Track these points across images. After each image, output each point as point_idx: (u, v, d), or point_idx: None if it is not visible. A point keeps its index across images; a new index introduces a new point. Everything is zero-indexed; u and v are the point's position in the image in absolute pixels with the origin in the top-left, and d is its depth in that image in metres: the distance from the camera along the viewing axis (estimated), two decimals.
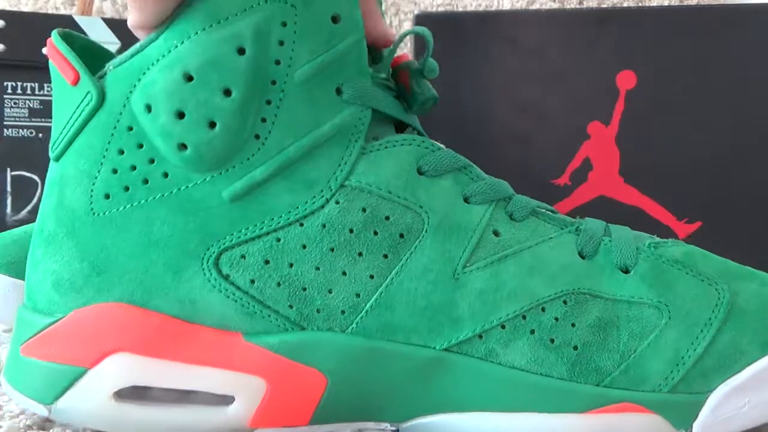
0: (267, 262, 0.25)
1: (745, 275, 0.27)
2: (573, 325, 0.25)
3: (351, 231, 0.25)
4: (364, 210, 0.25)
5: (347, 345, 0.25)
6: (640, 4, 0.79)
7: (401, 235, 0.25)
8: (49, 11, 0.91)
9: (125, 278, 0.25)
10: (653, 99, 0.60)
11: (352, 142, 0.25)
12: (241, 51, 0.24)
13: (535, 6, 0.91)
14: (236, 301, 0.25)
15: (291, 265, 0.25)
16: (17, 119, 0.62)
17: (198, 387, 0.25)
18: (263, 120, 0.24)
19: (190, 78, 0.24)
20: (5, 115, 0.62)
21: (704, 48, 0.55)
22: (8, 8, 0.89)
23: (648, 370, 0.25)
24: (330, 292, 0.25)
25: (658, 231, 0.61)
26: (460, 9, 0.89)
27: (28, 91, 0.62)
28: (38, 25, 0.62)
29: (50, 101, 0.63)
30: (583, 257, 0.27)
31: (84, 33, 0.63)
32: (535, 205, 0.29)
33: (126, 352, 0.25)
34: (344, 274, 0.25)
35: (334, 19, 0.25)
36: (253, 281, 0.25)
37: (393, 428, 0.27)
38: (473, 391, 0.25)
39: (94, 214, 0.25)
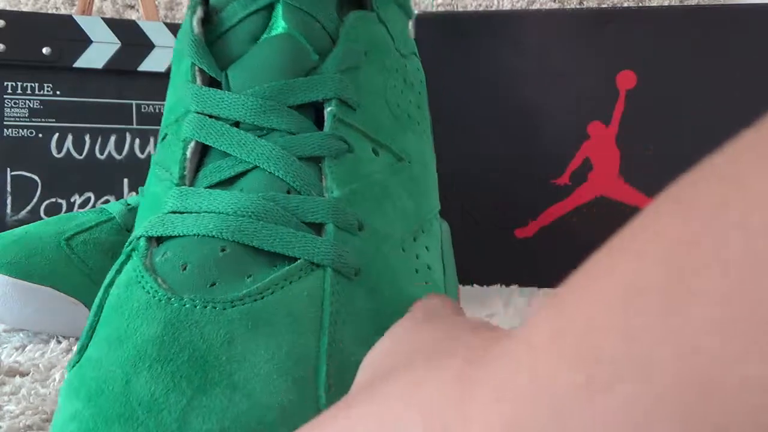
0: None
1: None
2: None
3: None
4: None
5: None
6: (640, 4, 0.79)
7: None
8: (49, 11, 0.91)
9: None
10: (653, 99, 0.60)
11: None
12: None
13: (535, 6, 0.91)
14: None
15: None
16: (17, 119, 0.62)
17: None
18: None
19: None
20: (5, 115, 0.62)
21: (704, 48, 0.55)
22: (8, 8, 0.90)
23: None
24: None
25: None
26: (460, 9, 0.89)
27: (28, 91, 0.62)
28: (38, 25, 0.62)
29: (50, 101, 0.63)
30: None
31: (84, 33, 0.63)
32: None
33: None
34: None
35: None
36: None
37: None
38: None
39: None
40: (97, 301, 0.20)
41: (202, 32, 0.23)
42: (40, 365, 0.33)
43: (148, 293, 0.18)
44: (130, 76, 0.64)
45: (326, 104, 0.22)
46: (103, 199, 0.64)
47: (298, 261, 0.18)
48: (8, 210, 0.61)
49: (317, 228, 0.20)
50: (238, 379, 0.15)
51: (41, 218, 0.61)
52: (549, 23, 0.54)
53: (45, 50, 0.62)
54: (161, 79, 0.65)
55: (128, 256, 0.20)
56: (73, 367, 0.18)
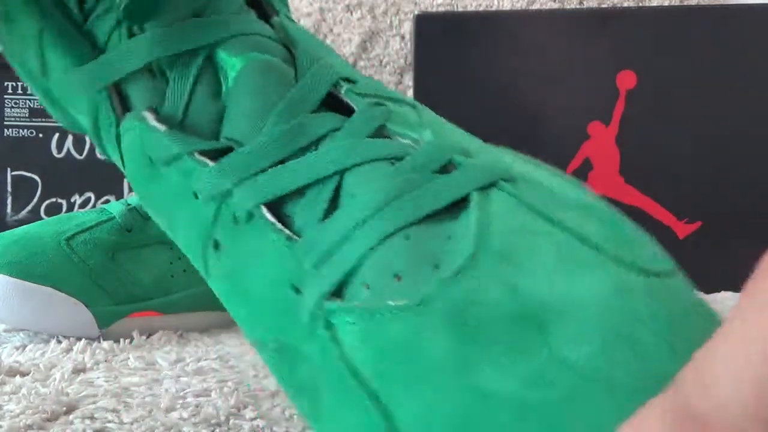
0: None
1: None
2: None
3: None
4: None
5: None
6: (640, 4, 0.79)
7: None
8: None
9: None
10: (653, 99, 0.60)
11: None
12: None
13: (535, 6, 0.91)
14: None
15: None
16: (17, 119, 0.62)
17: None
18: None
19: None
20: (5, 115, 0.62)
21: (704, 48, 0.55)
22: None
23: None
24: None
25: (658, 231, 0.61)
26: (460, 9, 0.89)
27: (29, 91, 0.62)
28: None
29: None
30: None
31: None
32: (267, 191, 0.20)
33: None
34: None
35: None
36: None
37: None
38: None
39: None
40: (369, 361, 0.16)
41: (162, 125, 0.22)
42: (40, 365, 0.33)
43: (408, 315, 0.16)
44: None
45: (339, 87, 0.21)
46: (103, 199, 0.64)
47: None
48: (8, 210, 0.62)
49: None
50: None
51: (41, 218, 0.61)
52: (549, 23, 0.54)
53: None
54: None
55: (328, 322, 0.17)
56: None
